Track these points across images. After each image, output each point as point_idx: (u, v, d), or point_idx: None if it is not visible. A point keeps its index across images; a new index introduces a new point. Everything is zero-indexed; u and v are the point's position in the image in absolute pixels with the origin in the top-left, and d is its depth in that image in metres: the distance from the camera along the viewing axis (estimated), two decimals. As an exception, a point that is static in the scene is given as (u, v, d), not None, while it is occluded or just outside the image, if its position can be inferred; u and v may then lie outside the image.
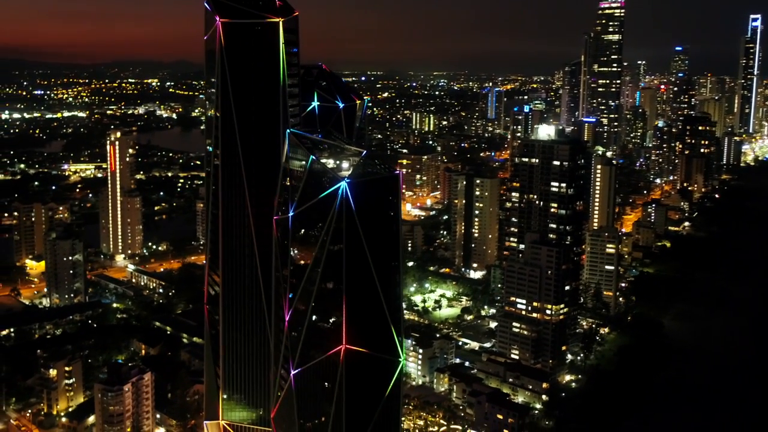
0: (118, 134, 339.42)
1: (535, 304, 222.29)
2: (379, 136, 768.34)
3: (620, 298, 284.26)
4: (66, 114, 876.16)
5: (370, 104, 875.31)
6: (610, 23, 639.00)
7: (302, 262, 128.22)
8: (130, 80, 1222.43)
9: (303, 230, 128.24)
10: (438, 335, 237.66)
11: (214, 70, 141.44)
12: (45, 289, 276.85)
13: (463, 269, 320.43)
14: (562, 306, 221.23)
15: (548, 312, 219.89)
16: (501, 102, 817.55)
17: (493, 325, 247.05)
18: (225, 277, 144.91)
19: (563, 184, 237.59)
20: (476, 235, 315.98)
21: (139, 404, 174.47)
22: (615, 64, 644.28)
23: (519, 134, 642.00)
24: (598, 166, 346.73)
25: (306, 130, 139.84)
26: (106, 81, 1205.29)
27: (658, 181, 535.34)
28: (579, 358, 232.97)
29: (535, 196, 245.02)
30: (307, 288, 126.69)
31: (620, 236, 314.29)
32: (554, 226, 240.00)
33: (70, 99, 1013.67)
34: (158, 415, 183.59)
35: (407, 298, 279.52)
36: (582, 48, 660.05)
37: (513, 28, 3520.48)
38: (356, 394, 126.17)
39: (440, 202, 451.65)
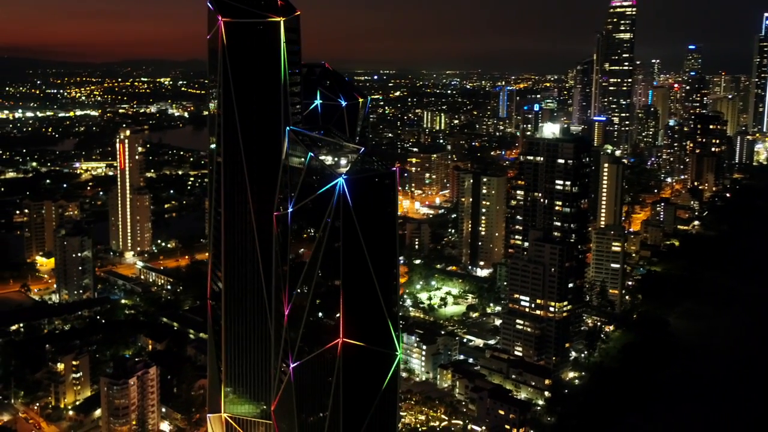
0: (128, 132, 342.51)
1: (538, 301, 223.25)
2: (390, 134, 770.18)
3: (626, 297, 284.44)
4: (78, 113, 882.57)
5: (381, 103, 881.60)
6: (622, 22, 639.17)
7: (301, 257, 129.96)
8: (142, 79, 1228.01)
9: (301, 225, 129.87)
10: (443, 332, 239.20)
11: (217, 69, 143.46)
12: (54, 285, 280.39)
13: (470, 267, 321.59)
14: (565, 303, 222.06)
15: (551, 309, 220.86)
16: (512, 101, 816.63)
17: (498, 322, 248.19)
18: (227, 273, 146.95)
19: (568, 182, 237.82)
20: (483, 233, 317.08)
21: (144, 398, 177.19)
22: (626, 63, 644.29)
23: (528, 133, 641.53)
24: (605, 165, 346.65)
25: (307, 127, 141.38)
26: (119, 80, 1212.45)
27: (669, 180, 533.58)
28: (583, 355, 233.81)
29: (540, 194, 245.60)
30: (306, 283, 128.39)
31: (627, 235, 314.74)
32: (559, 224, 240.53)
33: (83, 98, 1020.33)
34: (164, 409, 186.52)
35: (413, 296, 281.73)
36: (594, 47, 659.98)
37: (526, 26, 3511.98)
38: (353, 387, 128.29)
39: (449, 200, 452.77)
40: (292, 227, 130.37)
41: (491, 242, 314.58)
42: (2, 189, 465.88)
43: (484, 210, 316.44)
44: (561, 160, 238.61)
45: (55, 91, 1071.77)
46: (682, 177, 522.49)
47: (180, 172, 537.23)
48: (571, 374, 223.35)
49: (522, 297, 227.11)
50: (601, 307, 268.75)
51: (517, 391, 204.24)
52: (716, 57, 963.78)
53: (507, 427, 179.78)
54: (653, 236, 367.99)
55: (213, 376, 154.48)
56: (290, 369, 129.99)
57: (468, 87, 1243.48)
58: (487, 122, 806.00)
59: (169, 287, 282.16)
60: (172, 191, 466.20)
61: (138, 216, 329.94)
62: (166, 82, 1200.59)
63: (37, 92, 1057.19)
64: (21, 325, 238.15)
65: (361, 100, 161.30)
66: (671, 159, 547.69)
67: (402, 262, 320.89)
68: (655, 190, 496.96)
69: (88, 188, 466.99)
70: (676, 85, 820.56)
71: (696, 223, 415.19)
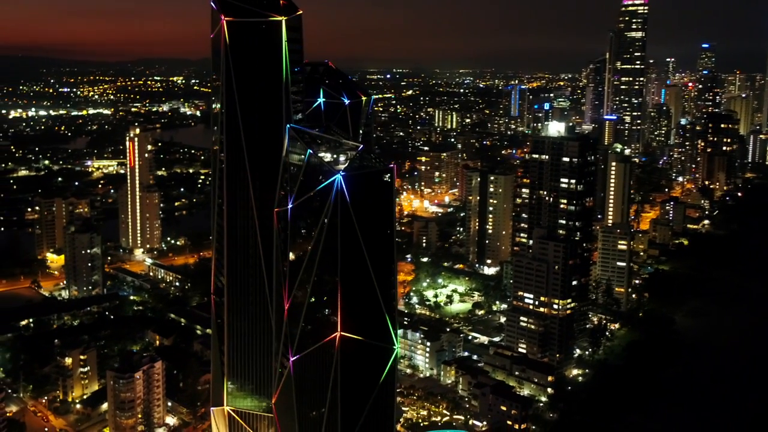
0: (138, 130, 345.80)
1: (542, 298, 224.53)
2: (401, 133, 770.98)
3: (633, 295, 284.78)
4: (91, 111, 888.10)
5: (394, 102, 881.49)
6: (634, 20, 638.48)
7: (301, 252, 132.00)
8: (155, 78, 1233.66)
9: (301, 221, 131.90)
10: (447, 329, 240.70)
11: (220, 68, 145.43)
12: (64, 282, 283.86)
13: (477, 265, 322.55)
14: (569, 301, 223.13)
15: (555, 307, 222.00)
16: (524, 99, 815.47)
17: (503, 320, 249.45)
18: (230, 269, 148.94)
19: (572, 181, 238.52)
20: (490, 231, 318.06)
21: (150, 392, 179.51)
22: (638, 62, 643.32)
23: (539, 131, 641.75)
24: (613, 163, 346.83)
25: (308, 125, 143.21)
26: (132, 78, 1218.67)
27: (680, 179, 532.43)
28: (587, 353, 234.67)
29: (545, 193, 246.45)
30: (305, 278, 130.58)
31: (635, 233, 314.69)
32: (563, 222, 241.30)
33: (96, 96, 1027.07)
34: (169, 403, 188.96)
35: (419, 293, 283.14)
36: (607, 45, 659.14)
37: (541, 25, 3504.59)
38: (352, 381, 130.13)
39: (458, 199, 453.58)
40: (291, 223, 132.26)
41: (498, 240, 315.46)
42: (15, 187, 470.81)
43: (491, 208, 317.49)
44: (566, 159, 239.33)
45: (69, 89, 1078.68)
46: (694, 176, 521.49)
47: (191, 170, 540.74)
48: (575, 371, 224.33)
49: (526, 294, 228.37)
50: (607, 306, 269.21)
51: (520, 387, 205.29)
52: (731, 55, 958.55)
53: (509, 423, 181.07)
54: (662, 235, 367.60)
55: (216, 369, 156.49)
56: (290, 362, 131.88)
57: (481, 86, 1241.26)
58: (499, 121, 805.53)
59: (177, 284, 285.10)
60: (182, 189, 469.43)
61: (147, 213, 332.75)
62: (179, 81, 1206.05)
63: (51, 91, 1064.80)
64: (30, 320, 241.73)
65: (364, 98, 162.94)
66: (682, 158, 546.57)
67: (409, 259, 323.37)
68: (666, 189, 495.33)
69: (100, 186, 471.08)
70: (690, 84, 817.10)
71: (706, 222, 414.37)
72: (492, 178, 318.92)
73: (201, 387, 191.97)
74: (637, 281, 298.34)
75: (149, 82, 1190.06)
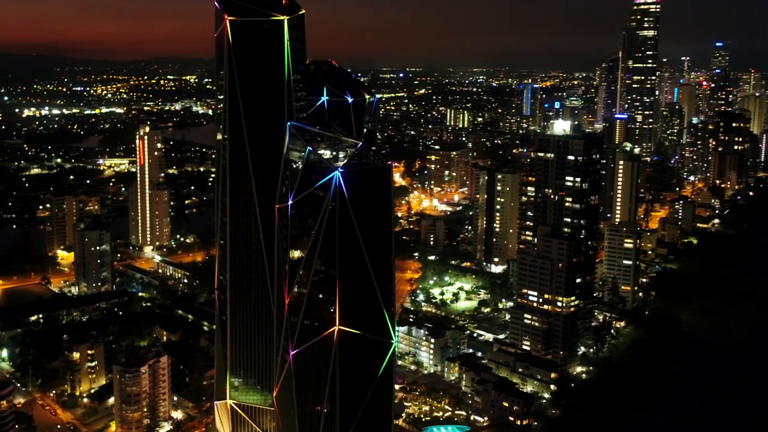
0: (147, 129, 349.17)
1: (546, 296, 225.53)
2: (413, 132, 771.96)
3: (639, 294, 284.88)
4: (104, 110, 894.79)
5: (406, 101, 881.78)
6: (645, 19, 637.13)
7: (300, 248, 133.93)
8: (168, 77, 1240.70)
9: (300, 217, 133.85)
10: (453, 326, 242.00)
11: (223, 67, 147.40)
12: (74, 278, 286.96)
13: (484, 263, 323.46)
14: (573, 298, 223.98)
15: (559, 304, 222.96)
16: (536, 98, 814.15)
17: (508, 317, 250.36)
18: (233, 265, 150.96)
19: (578, 179, 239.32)
20: (497, 229, 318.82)
21: (155, 386, 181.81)
22: (650, 60, 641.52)
23: (544, 130, 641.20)
24: (620, 162, 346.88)
25: (309, 123, 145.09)
26: (145, 77, 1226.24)
27: (691, 178, 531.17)
28: (592, 350, 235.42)
29: (551, 191, 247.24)
30: (305, 273, 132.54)
31: (641, 232, 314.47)
32: (569, 220, 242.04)
33: (109, 95, 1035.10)
34: (175, 398, 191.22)
35: (426, 291, 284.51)
36: (620, 44, 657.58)
37: (554, 23, 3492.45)
38: (350, 374, 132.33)
39: (467, 197, 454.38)
40: (292, 219, 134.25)
41: (505, 238, 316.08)
42: (27, 185, 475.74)
43: (498, 206, 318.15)
44: (571, 157, 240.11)
45: (82, 88, 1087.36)
46: (706, 175, 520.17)
47: (201, 169, 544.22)
48: (579, 369, 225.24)
49: (530, 292, 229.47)
50: (613, 304, 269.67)
51: (523, 384, 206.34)
52: (746, 54, 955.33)
53: (511, 419, 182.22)
54: (670, 234, 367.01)
55: (219, 364, 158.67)
56: (290, 356, 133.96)
57: (494, 85, 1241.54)
58: (511, 120, 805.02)
59: (185, 281, 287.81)
60: (193, 187, 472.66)
61: (157, 211, 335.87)
62: (192, 80, 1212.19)
63: (64, 90, 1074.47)
64: (40, 316, 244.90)
65: (368, 97, 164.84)
66: (694, 157, 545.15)
67: (416, 257, 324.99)
68: (677, 189, 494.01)
69: (111, 184, 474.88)
70: (704, 83, 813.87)
71: (716, 221, 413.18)
72: (499, 176, 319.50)
73: (207, 382, 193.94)
74: (644, 280, 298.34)
75: (162, 81, 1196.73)
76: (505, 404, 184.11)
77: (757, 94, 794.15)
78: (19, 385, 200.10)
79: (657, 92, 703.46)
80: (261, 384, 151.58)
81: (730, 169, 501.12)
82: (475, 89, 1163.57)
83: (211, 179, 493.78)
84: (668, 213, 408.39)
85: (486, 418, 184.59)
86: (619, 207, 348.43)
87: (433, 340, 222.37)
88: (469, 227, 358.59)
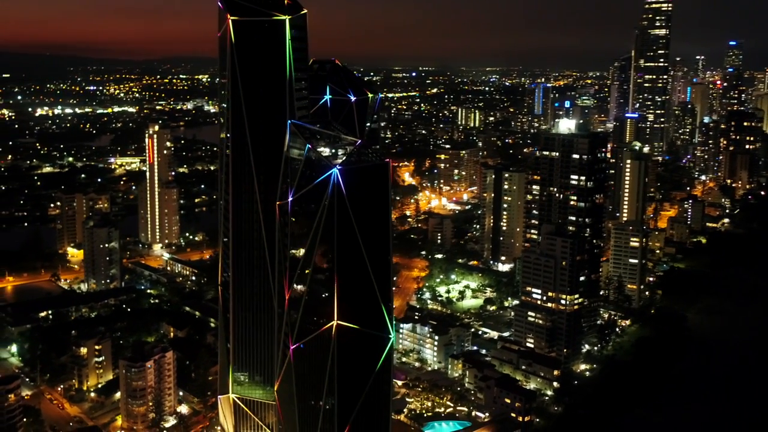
0: (156, 127, 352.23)
1: (550, 294, 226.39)
2: (424, 132, 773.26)
3: (646, 292, 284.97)
4: (116, 109, 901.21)
5: (418, 100, 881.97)
6: (657, 18, 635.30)
7: (300, 244, 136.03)
8: (181, 76, 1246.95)
9: (300, 214, 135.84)
10: (457, 324, 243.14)
11: (226, 66, 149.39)
12: (83, 275, 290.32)
13: (491, 262, 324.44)
14: (576, 296, 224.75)
15: (563, 302, 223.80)
16: (548, 98, 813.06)
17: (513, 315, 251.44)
18: (235, 261, 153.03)
19: (582, 177, 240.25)
20: (504, 228, 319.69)
21: (161, 380, 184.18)
22: (662, 60, 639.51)
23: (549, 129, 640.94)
24: (628, 161, 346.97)
25: (310, 121, 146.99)
26: (158, 77, 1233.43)
27: (703, 177, 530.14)
28: (596, 348, 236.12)
29: (555, 189, 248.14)
30: (304, 268, 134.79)
31: (648, 231, 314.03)
32: (573, 218, 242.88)
33: (122, 95, 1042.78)
34: (181, 393, 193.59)
35: (432, 289, 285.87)
36: (633, 43, 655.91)
37: (568, 22, 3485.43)
38: (348, 368, 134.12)
39: (476, 196, 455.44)
40: (292, 215, 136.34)
41: (512, 237, 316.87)
42: (39, 183, 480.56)
43: (505, 205, 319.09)
44: (576, 156, 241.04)
45: (95, 88, 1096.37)
46: (717, 175, 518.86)
47: (212, 168, 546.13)
48: (583, 366, 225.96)
49: (534, 290, 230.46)
50: (618, 303, 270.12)
51: (526, 381, 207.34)
52: (761, 53, 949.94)
53: (513, 415, 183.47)
54: (679, 233, 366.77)
55: (223, 359, 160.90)
56: (290, 350, 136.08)
57: (507, 84, 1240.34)
58: (522, 119, 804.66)
59: (193, 278, 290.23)
60: (203, 186, 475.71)
61: (166, 209, 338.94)
62: (204, 79, 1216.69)
63: (77, 89, 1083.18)
64: (49, 312, 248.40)
65: (370, 95, 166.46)
66: (705, 156, 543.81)
67: (423, 256, 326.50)
68: (688, 188, 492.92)
69: (122, 183, 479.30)
70: (719, 82, 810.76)
71: (726, 220, 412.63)
72: (506, 175, 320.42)
73: (212, 377, 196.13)
74: (651, 279, 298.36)
75: (174, 81, 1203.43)
76: (507, 401, 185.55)
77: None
78: (27, 379, 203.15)
79: (669, 91, 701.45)
80: (263, 378, 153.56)
81: (741, 168, 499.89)
82: (487, 88, 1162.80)
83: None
84: (677, 212, 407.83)
85: (487, 414, 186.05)
86: (627, 206, 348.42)
87: (437, 337, 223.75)
88: (477, 226, 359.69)
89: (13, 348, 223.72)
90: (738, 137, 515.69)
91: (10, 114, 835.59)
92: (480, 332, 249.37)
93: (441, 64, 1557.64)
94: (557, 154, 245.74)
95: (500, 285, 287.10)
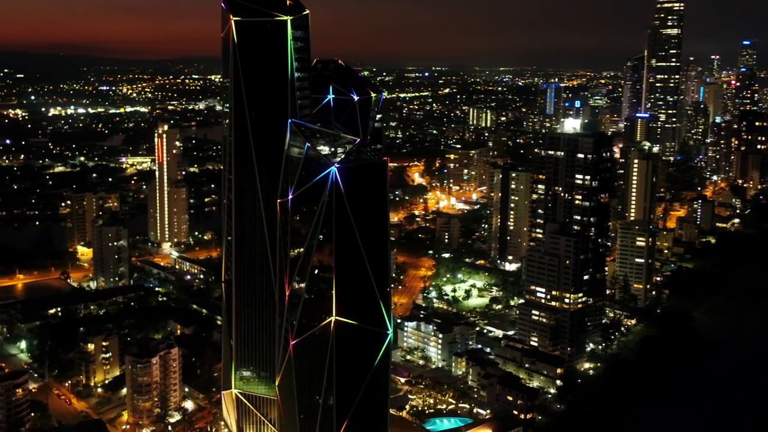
0: (166, 127, 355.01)
1: (554, 292, 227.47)
2: (435, 131, 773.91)
3: (653, 292, 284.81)
4: (128, 109, 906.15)
5: (430, 100, 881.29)
6: (669, 17, 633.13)
7: (299, 241, 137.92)
8: (193, 76, 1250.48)
9: (300, 211, 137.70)
10: (462, 322, 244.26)
11: (229, 66, 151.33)
12: (93, 273, 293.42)
13: (498, 261, 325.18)
14: (580, 295, 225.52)
15: (566, 300, 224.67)
16: (560, 98, 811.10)
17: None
18: (238, 258, 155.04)
19: (587, 177, 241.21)
20: (511, 227, 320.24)
21: (166, 376, 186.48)
22: (674, 59, 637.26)
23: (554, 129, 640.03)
24: (635, 161, 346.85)
25: (311, 120, 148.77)
26: (170, 77, 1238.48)
27: (714, 178, 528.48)
28: (601, 347, 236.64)
29: (561, 189, 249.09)
30: (304, 265, 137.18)
31: (656, 230, 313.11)
32: (578, 217, 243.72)
33: (134, 95, 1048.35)
34: (186, 389, 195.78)
35: (438, 288, 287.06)
36: (646, 42, 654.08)
37: (583, 22, 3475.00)
38: (346, 363, 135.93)
39: (485, 196, 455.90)
40: (292, 213, 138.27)
41: (519, 236, 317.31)
42: (50, 182, 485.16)
43: (512, 204, 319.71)
44: (581, 155, 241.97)
45: (108, 88, 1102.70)
46: (729, 175, 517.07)
47: (222, 167, 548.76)
48: (587, 365, 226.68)
49: (538, 288, 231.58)
50: (624, 302, 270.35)
51: (529, 379, 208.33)
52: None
53: (515, 412, 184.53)
54: (688, 233, 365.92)
55: (226, 355, 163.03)
56: (290, 346, 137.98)
57: (520, 84, 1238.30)
58: (534, 119, 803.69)
59: (201, 276, 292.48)
60: (213, 185, 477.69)
61: (175, 208, 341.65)
62: (216, 79, 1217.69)
63: (90, 89, 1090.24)
64: (58, 309, 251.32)
65: (374, 95, 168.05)
66: (717, 157, 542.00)
67: (430, 255, 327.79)
68: (699, 188, 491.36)
69: (133, 182, 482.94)
70: (733, 82, 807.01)
71: (736, 220, 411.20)
72: (513, 174, 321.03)
73: (217, 373, 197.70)
74: (658, 278, 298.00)
75: (187, 81, 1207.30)
76: (510, 398, 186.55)
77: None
78: (36, 375, 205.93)
79: (683, 91, 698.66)
80: (265, 374, 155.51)
81: (752, 168, 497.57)
82: (500, 88, 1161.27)
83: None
84: (687, 212, 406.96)
85: (488, 411, 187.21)
86: (634, 205, 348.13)
87: (441, 336, 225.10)
88: (485, 226, 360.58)
89: (23, 344, 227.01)
90: (750, 137, 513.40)
91: (24, 114, 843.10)
92: (485, 331, 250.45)
93: (454, 64, 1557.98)
94: (562, 153, 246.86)
95: (506, 284, 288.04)
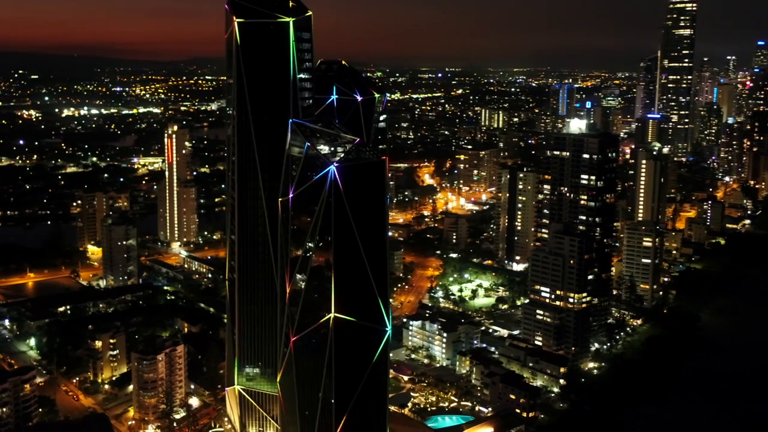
0: (176, 128, 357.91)
1: (558, 292, 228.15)
2: (446, 132, 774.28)
3: (660, 292, 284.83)
4: (141, 110, 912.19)
5: (442, 101, 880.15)
6: (682, 17, 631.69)
7: (299, 239, 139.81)
8: (206, 77, 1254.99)
9: (300, 209, 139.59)
10: (466, 322, 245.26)
11: (233, 67, 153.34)
12: (102, 272, 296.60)
13: (506, 261, 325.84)
14: (584, 295, 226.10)
15: (571, 300, 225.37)
16: (573, 98, 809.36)
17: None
18: (241, 257, 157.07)
19: (593, 177, 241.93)
20: (519, 227, 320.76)
21: (172, 373, 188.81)
22: (686, 60, 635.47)
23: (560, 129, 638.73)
24: (643, 161, 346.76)
25: (312, 120, 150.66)
26: (184, 78, 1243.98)
27: (726, 179, 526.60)
28: (606, 347, 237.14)
29: (566, 189, 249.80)
30: (303, 263, 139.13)
31: (663, 231, 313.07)
32: (584, 217, 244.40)
33: (147, 95, 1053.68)
34: (192, 386, 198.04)
35: (445, 288, 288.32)
36: (659, 43, 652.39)
37: (598, 22, 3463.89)
38: (345, 359, 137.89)
39: (495, 196, 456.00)
40: (292, 211, 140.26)
41: (527, 236, 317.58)
42: (62, 182, 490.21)
43: (520, 205, 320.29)
44: (586, 155, 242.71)
45: (121, 89, 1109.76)
46: (742, 176, 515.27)
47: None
48: (591, 364, 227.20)
49: (542, 288, 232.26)
50: (630, 302, 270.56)
51: (533, 378, 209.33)
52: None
53: (517, 411, 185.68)
54: (697, 234, 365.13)
55: (230, 352, 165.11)
56: (291, 342, 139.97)
57: (534, 84, 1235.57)
58: (546, 120, 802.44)
59: (209, 275, 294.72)
60: (223, 185, 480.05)
61: (184, 208, 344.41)
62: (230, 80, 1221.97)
63: (104, 90, 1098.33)
64: (67, 307, 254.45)
65: (377, 95, 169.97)
66: (729, 158, 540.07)
67: (438, 255, 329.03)
68: (711, 189, 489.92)
69: (144, 182, 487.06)
70: (749, 83, 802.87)
71: (747, 221, 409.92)
72: (521, 175, 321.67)
73: (223, 371, 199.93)
74: (665, 279, 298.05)
75: (200, 82, 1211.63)
76: (512, 396, 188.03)
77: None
78: (45, 372, 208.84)
79: (697, 91, 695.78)
80: (267, 371, 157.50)
81: (764, 169, 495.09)
82: (513, 89, 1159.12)
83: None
84: (696, 213, 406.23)
85: (490, 409, 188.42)
86: (642, 206, 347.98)
87: (445, 335, 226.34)
88: (493, 226, 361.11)
89: (32, 341, 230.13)
90: (762, 138, 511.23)
91: (37, 115, 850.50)
92: (490, 330, 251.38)
93: (468, 65, 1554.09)
94: (567, 153, 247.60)
95: (513, 284, 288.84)
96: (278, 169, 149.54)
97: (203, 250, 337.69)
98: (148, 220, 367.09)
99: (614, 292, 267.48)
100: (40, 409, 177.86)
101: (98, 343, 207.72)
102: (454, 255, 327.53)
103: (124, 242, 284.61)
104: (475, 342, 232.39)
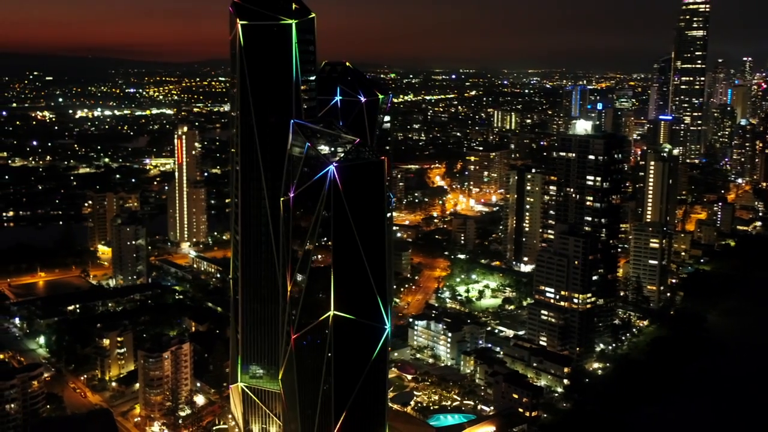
0: (185, 129, 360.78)
1: (563, 292, 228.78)
2: (458, 134, 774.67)
3: (667, 294, 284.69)
4: (154, 111, 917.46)
5: (455, 102, 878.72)
6: (695, 19, 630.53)
7: (300, 238, 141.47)
8: (220, 78, 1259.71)
9: (300, 209, 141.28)
10: (470, 322, 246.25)
11: (236, 69, 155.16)
12: (112, 272, 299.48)
13: (513, 262, 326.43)
14: (589, 295, 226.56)
15: (575, 301, 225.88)
16: (586, 100, 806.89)
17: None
18: (244, 256, 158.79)
19: (599, 178, 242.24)
20: (527, 228, 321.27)
21: (177, 371, 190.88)
22: (699, 61, 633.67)
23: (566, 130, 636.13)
24: (652, 162, 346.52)
25: (313, 121, 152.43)
26: (197, 79, 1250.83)
27: (739, 180, 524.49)
28: (611, 347, 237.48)
29: (572, 190, 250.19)
30: (304, 262, 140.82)
31: (671, 232, 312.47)
32: (589, 218, 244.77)
33: (160, 97, 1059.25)
34: (198, 384, 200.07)
35: (452, 288, 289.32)
36: (673, 44, 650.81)
37: (613, 23, 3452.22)
38: (344, 357, 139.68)
39: (504, 198, 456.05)
40: (293, 211, 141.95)
41: (534, 238, 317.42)
42: (74, 183, 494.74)
43: (527, 206, 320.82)
44: (592, 156, 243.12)
45: (135, 90, 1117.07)
46: (754, 177, 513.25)
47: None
48: (596, 365, 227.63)
49: (547, 288, 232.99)
50: (637, 303, 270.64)
51: (537, 378, 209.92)
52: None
53: (520, 410, 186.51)
54: (707, 235, 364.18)
55: (234, 350, 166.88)
56: (291, 340, 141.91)
57: (548, 86, 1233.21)
58: (559, 122, 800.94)
59: (218, 275, 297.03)
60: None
61: (194, 208, 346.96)
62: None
63: (117, 91, 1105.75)
64: (77, 306, 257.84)
65: (381, 96, 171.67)
66: (742, 159, 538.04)
67: (446, 256, 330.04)
68: (722, 191, 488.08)
69: (155, 183, 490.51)
70: (764, 84, 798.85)
71: (758, 224, 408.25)
72: (528, 176, 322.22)
73: (228, 369, 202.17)
74: (673, 280, 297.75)
75: (213, 83, 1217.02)
76: (515, 396, 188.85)
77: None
78: (53, 369, 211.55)
79: (711, 93, 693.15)
80: (270, 368, 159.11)
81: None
82: (527, 91, 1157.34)
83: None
84: (707, 215, 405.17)
85: (492, 408, 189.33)
86: (651, 207, 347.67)
87: (450, 334, 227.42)
88: (501, 227, 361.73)
89: (41, 340, 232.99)
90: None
91: (51, 116, 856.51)
92: (496, 331, 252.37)
93: (482, 66, 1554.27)
94: (574, 155, 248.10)
95: (520, 285, 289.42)
96: (281, 170, 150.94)
97: (212, 251, 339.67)
98: (158, 220, 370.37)
99: (621, 293, 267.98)
100: (48, 406, 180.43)
101: (106, 341, 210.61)
102: (461, 256, 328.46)
103: (133, 242, 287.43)
104: (480, 342, 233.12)
